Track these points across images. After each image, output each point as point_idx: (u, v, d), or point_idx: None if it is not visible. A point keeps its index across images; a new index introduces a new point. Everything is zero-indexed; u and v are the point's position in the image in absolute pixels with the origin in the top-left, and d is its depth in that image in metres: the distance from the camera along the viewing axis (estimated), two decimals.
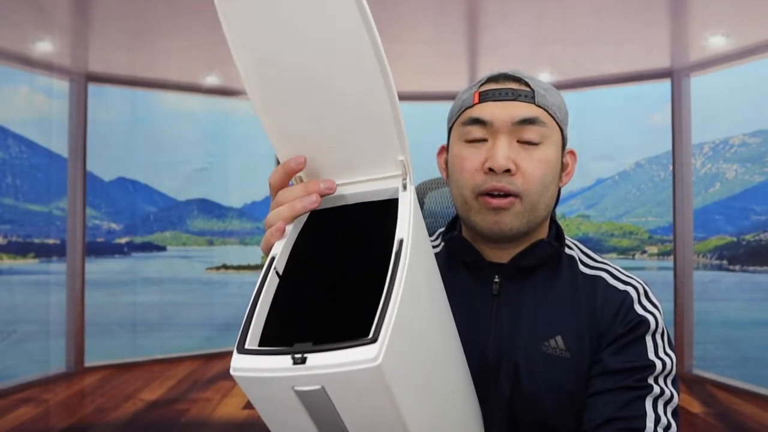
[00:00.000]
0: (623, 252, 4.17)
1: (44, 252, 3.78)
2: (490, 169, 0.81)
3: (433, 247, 0.98)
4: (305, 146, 0.60)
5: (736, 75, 3.58)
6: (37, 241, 3.75)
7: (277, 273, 0.54)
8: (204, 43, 3.89)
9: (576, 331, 0.83)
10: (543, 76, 4.20)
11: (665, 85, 3.90)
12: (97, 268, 4.03)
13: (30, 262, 3.71)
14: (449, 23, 3.84)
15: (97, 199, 4.13)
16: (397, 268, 0.50)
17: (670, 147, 3.90)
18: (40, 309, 3.67)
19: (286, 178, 0.62)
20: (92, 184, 4.02)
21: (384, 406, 0.49)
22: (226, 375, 3.74)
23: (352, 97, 0.56)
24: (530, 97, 0.83)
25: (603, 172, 4.25)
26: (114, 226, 4.24)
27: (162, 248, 4.38)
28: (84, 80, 3.91)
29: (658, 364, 0.80)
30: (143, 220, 4.34)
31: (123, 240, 4.23)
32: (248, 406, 3.17)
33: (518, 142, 0.82)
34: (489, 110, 0.83)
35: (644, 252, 4.11)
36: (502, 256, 0.88)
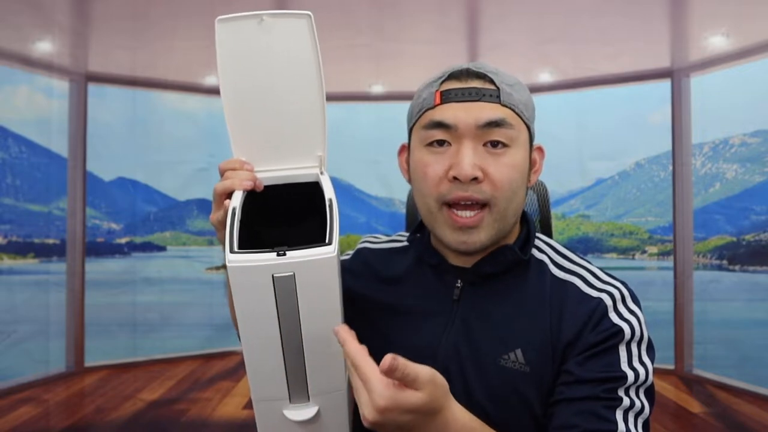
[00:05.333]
0: (623, 252, 4.16)
1: (44, 252, 3.78)
2: (456, 178, 0.76)
3: (399, 243, 0.97)
4: (255, 140, 0.78)
5: (736, 75, 3.58)
6: (37, 241, 3.75)
7: (234, 211, 0.72)
8: (204, 43, 3.88)
9: (538, 343, 0.78)
10: (543, 76, 4.20)
11: (665, 85, 3.90)
12: (97, 268, 4.03)
13: (30, 262, 3.70)
14: (449, 23, 3.84)
15: (97, 199, 4.13)
16: (333, 210, 0.71)
17: (670, 147, 3.90)
18: (40, 309, 3.67)
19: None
20: (92, 184, 4.02)
21: (329, 292, 0.68)
22: (226, 375, 3.76)
23: (296, 107, 0.76)
24: (495, 96, 0.78)
25: (603, 172, 4.25)
26: (114, 226, 4.23)
27: (162, 248, 4.38)
28: (84, 80, 3.91)
29: (630, 375, 0.74)
30: (143, 220, 4.34)
31: (123, 240, 4.23)
32: (248, 406, 3.17)
33: (484, 145, 0.78)
34: (452, 112, 0.77)
35: (644, 252, 4.10)
36: (466, 260, 0.85)
